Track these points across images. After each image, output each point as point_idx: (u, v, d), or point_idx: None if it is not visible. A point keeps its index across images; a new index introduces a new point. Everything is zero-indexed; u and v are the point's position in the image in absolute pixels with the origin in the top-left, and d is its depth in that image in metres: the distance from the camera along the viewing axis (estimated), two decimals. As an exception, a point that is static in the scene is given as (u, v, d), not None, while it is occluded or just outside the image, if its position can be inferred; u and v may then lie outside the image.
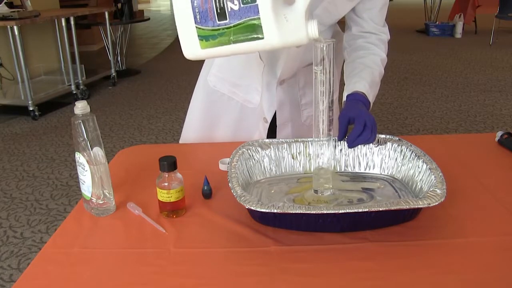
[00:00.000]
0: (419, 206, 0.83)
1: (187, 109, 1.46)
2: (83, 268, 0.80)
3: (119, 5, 5.22)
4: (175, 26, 0.90)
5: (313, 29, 0.83)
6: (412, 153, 1.02)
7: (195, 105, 1.45)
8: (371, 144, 1.07)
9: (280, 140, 1.09)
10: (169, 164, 0.91)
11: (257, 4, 0.81)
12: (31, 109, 3.95)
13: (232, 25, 0.83)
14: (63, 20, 4.39)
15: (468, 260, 0.79)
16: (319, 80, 0.91)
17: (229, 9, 0.82)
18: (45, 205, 2.57)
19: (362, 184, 1.03)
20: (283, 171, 1.08)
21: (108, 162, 0.96)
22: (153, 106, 4.17)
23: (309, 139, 1.08)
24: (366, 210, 0.80)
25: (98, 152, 0.92)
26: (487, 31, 6.95)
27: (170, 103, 4.27)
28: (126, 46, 5.72)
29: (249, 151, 1.05)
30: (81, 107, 0.88)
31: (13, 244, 2.21)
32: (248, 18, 0.82)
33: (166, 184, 0.92)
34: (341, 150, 1.09)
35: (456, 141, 1.34)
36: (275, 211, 0.80)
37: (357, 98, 1.11)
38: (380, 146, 1.07)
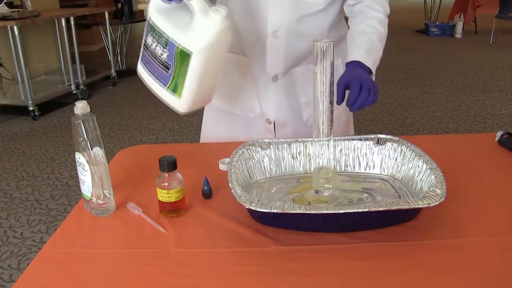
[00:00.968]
0: (419, 206, 0.83)
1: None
2: (83, 268, 0.80)
3: (119, 5, 5.22)
4: None
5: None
6: (412, 153, 1.02)
7: (206, 127, 1.48)
8: (371, 144, 1.07)
9: (280, 140, 1.09)
10: (169, 164, 0.91)
11: (170, 39, 0.98)
12: (31, 109, 3.95)
13: (175, 65, 1.00)
14: (63, 20, 4.39)
15: (468, 260, 0.79)
16: (319, 80, 0.91)
17: (165, 58, 1.01)
18: (45, 205, 2.57)
19: (362, 184, 1.03)
20: (283, 171, 1.08)
21: (108, 162, 0.96)
22: (153, 106, 4.17)
23: (309, 139, 1.08)
24: (366, 210, 0.80)
25: (98, 152, 0.92)
26: (487, 31, 6.95)
27: (170, 103, 4.27)
28: (126, 46, 5.73)
29: (249, 151, 1.05)
30: (81, 107, 0.88)
31: (13, 244, 2.21)
32: (176, 52, 0.98)
33: (166, 184, 0.92)
34: (341, 150, 1.09)
35: (456, 141, 1.34)
36: (275, 211, 0.80)
37: (355, 64, 1.13)
38: (380, 146, 1.07)
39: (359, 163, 1.08)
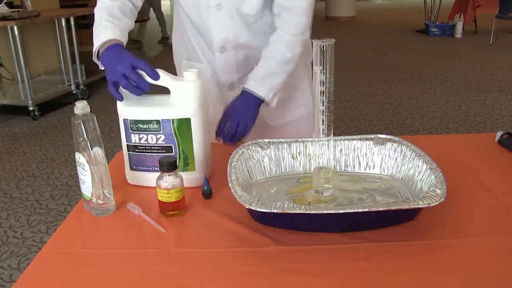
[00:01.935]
0: (419, 206, 0.83)
1: None
2: (83, 268, 0.80)
3: (119, 5, 5.21)
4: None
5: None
6: (412, 153, 1.02)
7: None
8: (371, 144, 1.07)
9: (280, 140, 1.09)
10: (169, 164, 0.91)
11: (161, 120, 1.00)
12: (31, 109, 3.95)
13: (176, 140, 1.01)
14: (63, 20, 4.39)
15: (468, 260, 0.79)
16: (319, 80, 0.91)
17: (162, 141, 1.01)
18: (45, 205, 2.57)
19: (362, 184, 1.03)
20: (283, 171, 1.08)
21: (108, 162, 0.96)
22: (153, 106, 4.16)
23: (309, 139, 1.08)
24: (366, 210, 0.80)
25: (98, 152, 0.92)
26: (487, 31, 6.95)
27: (170, 103, 4.26)
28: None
29: (249, 151, 1.05)
30: (81, 107, 0.88)
31: (13, 244, 2.21)
32: (173, 127, 1.00)
33: (166, 184, 0.92)
34: (341, 150, 1.09)
35: (456, 141, 1.34)
36: (275, 211, 0.80)
37: (244, 93, 1.20)
38: (380, 146, 1.07)
39: (359, 163, 1.08)
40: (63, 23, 4.40)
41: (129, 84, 0.99)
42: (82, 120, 0.89)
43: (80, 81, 4.55)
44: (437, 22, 7.91)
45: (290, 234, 0.87)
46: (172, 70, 1.08)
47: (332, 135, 0.96)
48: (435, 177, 0.90)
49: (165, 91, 1.03)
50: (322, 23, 9.87)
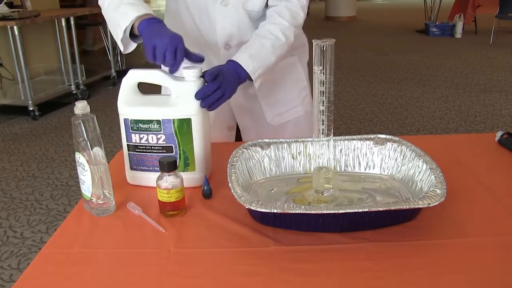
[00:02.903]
0: (419, 206, 0.83)
1: None
2: (83, 268, 0.80)
3: (119, 5, 5.21)
4: None
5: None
6: (412, 153, 1.02)
7: None
8: (371, 144, 1.07)
9: (280, 140, 1.09)
10: (169, 164, 0.91)
11: (161, 119, 1.00)
12: (31, 109, 3.95)
13: (177, 141, 1.01)
14: (63, 20, 4.39)
15: (468, 260, 0.79)
16: (319, 80, 0.91)
17: (163, 141, 1.01)
18: (45, 205, 2.57)
19: (362, 184, 1.03)
20: (283, 171, 1.08)
21: (108, 162, 0.96)
22: (153, 106, 4.15)
23: (309, 139, 1.08)
24: (366, 210, 0.80)
25: (98, 152, 0.92)
26: (487, 31, 6.95)
27: (170, 103, 4.26)
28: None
29: (249, 151, 1.05)
30: (81, 107, 0.88)
31: (13, 244, 2.21)
32: (173, 126, 1.00)
33: (166, 184, 0.92)
34: (341, 150, 1.09)
35: (456, 141, 1.34)
36: (275, 211, 0.80)
37: (231, 64, 1.13)
38: (380, 146, 1.07)
39: (359, 163, 1.08)
40: (63, 23, 4.40)
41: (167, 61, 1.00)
42: (82, 120, 0.89)
43: (80, 81, 4.55)
44: (437, 22, 7.91)
45: (290, 234, 0.87)
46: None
47: (332, 135, 0.96)
48: (435, 177, 0.90)
49: (165, 91, 1.03)
50: (322, 23, 9.88)
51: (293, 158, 1.08)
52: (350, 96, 4.49)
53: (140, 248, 0.85)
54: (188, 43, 1.33)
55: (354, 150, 1.08)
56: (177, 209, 0.94)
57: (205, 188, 1.00)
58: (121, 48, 1.14)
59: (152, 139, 1.01)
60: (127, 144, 1.04)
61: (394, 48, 6.84)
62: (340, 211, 0.81)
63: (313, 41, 0.89)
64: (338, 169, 1.08)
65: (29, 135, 3.65)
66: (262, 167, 1.06)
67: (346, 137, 1.09)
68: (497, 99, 4.24)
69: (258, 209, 0.81)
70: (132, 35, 1.12)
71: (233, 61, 1.14)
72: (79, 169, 0.93)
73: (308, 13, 1.29)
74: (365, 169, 1.08)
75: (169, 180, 0.92)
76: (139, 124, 1.01)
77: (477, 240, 0.84)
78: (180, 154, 1.02)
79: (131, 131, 1.02)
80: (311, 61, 0.98)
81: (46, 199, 2.63)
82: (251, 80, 1.16)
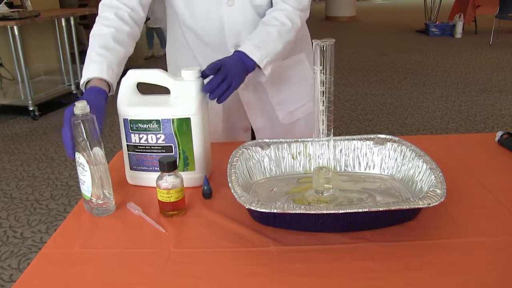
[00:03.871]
0: (419, 206, 0.83)
1: None
2: (83, 268, 0.80)
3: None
4: None
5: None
6: (412, 153, 1.02)
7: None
8: (371, 144, 1.07)
9: (280, 140, 1.09)
10: (169, 164, 0.91)
11: (161, 119, 1.00)
12: (31, 109, 3.95)
13: (177, 140, 1.01)
14: (63, 20, 4.39)
15: (468, 260, 0.79)
16: (319, 80, 0.91)
17: (162, 141, 1.01)
18: (45, 205, 2.57)
19: (362, 184, 1.03)
20: (283, 171, 1.08)
21: (108, 162, 0.96)
22: (153, 106, 4.16)
23: (309, 139, 1.08)
24: (366, 210, 0.80)
25: (98, 152, 0.92)
26: (487, 31, 6.95)
27: (170, 103, 4.26)
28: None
29: (249, 151, 1.05)
30: (81, 107, 0.88)
31: (13, 244, 2.21)
32: (173, 126, 1.00)
33: (166, 184, 0.92)
34: (341, 150, 1.09)
35: (456, 141, 1.33)
36: (275, 211, 0.80)
37: (238, 54, 1.13)
38: (380, 146, 1.07)
39: (359, 163, 1.08)
40: (63, 23, 4.40)
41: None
42: (82, 120, 0.89)
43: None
44: (437, 22, 7.91)
45: (290, 234, 0.87)
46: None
47: (332, 135, 0.96)
48: (435, 177, 0.90)
49: (165, 90, 1.03)
50: (322, 23, 9.88)
51: (293, 158, 1.08)
52: (350, 96, 4.49)
53: (140, 248, 0.85)
54: (199, 50, 1.30)
55: (354, 150, 1.08)
56: (177, 209, 0.94)
57: (205, 188, 1.00)
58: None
59: (151, 139, 1.01)
60: (127, 144, 1.04)
61: (394, 48, 6.84)
62: (340, 211, 0.81)
63: (313, 41, 0.89)
64: (338, 169, 1.08)
65: (29, 135, 3.65)
66: (262, 167, 1.06)
67: (346, 137, 1.09)
68: (497, 99, 4.24)
69: (258, 209, 0.81)
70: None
71: (238, 51, 1.13)
72: (79, 169, 0.93)
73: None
74: (365, 169, 1.08)
75: (169, 180, 0.92)
76: (139, 124, 1.01)
77: (477, 240, 0.84)
78: (179, 154, 1.02)
79: (130, 131, 1.02)
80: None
81: (46, 199, 2.63)
82: (260, 68, 1.15)
